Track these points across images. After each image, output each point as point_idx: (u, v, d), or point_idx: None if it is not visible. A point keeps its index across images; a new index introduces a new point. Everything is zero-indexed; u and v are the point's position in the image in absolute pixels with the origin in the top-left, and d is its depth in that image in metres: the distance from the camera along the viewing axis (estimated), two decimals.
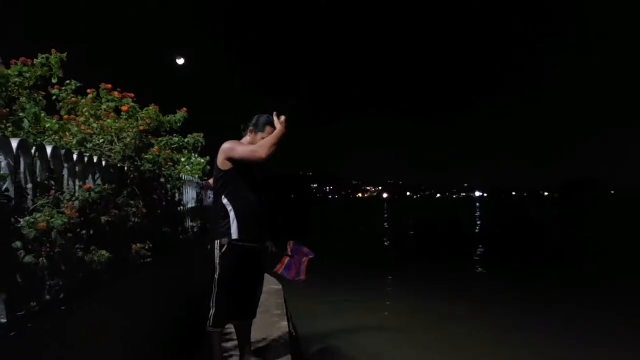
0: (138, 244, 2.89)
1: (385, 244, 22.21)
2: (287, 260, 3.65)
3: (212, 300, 3.21)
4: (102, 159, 2.80)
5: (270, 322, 4.64)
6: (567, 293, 10.75)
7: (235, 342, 3.60)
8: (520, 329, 7.89)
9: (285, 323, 4.63)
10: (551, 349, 6.82)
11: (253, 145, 3.21)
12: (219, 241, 3.19)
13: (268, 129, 3.25)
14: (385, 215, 48.87)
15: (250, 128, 3.35)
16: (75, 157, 2.49)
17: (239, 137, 3.41)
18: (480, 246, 19.35)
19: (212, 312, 3.20)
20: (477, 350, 6.84)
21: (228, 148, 3.19)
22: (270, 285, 6.28)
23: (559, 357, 6.60)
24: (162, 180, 3.54)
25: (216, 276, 3.20)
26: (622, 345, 6.98)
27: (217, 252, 3.19)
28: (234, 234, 3.15)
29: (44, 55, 2.66)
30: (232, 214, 3.17)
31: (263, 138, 3.22)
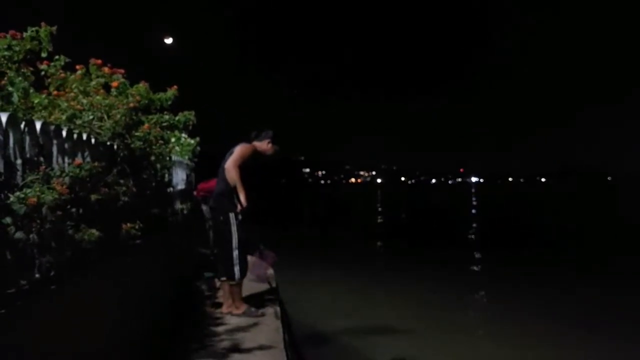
0: (128, 224, 2.86)
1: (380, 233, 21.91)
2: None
3: (235, 259, 4.14)
4: (92, 137, 2.75)
5: (262, 306, 4.63)
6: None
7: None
8: None
9: (277, 307, 4.62)
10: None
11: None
12: (232, 213, 4.13)
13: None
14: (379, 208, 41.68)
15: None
16: (64, 133, 2.44)
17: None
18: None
19: (236, 268, 4.16)
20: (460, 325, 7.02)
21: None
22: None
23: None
24: (153, 158, 3.50)
25: (235, 241, 4.13)
26: None
27: (233, 222, 4.13)
28: (238, 207, 4.14)
29: (33, 29, 2.58)
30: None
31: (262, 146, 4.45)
